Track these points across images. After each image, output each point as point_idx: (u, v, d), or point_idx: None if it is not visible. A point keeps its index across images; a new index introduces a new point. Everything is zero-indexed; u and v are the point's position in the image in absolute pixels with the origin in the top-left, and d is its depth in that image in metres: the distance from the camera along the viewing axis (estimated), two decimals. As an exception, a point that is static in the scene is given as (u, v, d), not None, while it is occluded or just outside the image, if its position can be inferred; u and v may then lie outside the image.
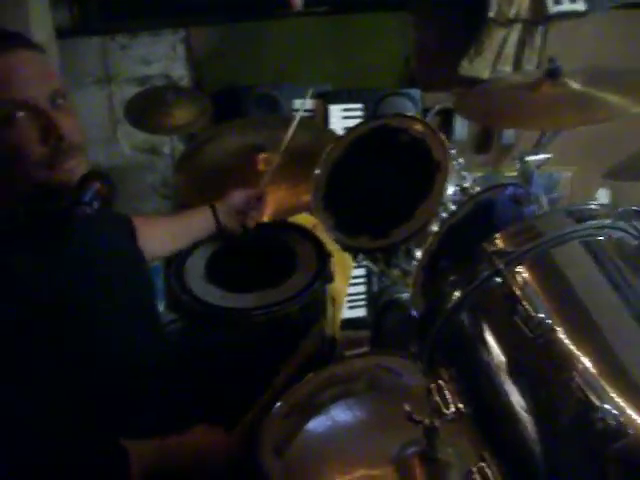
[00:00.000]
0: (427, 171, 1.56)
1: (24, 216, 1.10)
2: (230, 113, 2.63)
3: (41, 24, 2.20)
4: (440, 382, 0.81)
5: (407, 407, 0.92)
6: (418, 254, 1.58)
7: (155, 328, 1.49)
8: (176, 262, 1.83)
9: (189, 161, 2.10)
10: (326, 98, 2.76)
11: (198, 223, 1.77)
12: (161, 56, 2.79)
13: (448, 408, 0.79)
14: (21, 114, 1.06)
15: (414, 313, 1.21)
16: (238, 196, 1.77)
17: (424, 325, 0.85)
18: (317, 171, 1.72)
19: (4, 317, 1.04)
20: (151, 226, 1.68)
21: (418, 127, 1.64)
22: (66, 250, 1.18)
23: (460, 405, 0.79)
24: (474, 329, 0.82)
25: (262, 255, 1.88)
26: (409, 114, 1.73)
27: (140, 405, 1.25)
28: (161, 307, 2.34)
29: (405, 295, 1.93)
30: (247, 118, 2.57)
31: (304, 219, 1.97)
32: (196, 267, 1.82)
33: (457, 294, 0.81)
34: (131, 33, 2.74)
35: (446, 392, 0.80)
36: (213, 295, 1.72)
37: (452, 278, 0.83)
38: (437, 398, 0.80)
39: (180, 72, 2.82)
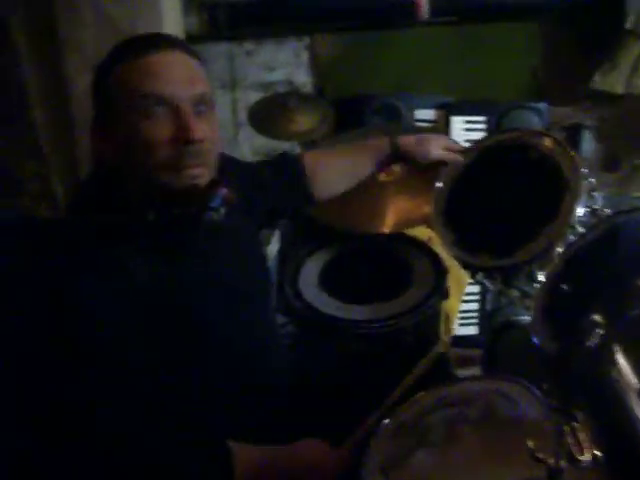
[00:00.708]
0: (555, 190, 1.48)
1: (153, 218, 1.11)
2: (351, 121, 2.61)
3: (173, 29, 2.26)
4: (574, 424, 0.74)
5: (530, 443, 0.86)
6: (540, 277, 1.51)
7: (272, 334, 1.46)
8: (290, 267, 1.83)
9: None
10: (449, 109, 2.69)
11: (374, 152, 1.65)
12: (285, 62, 2.82)
13: (583, 454, 0.72)
14: (160, 109, 1.08)
15: (535, 340, 1.14)
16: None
17: (560, 361, 0.79)
18: (439, 184, 1.67)
19: (117, 317, 1.06)
20: (324, 165, 1.62)
21: (547, 143, 1.57)
22: (188, 255, 1.19)
23: (597, 452, 0.72)
24: (621, 371, 0.75)
25: (378, 267, 1.85)
26: (539, 129, 1.66)
27: (249, 407, 1.25)
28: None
29: (523, 318, 1.84)
30: (368, 126, 2.55)
31: (420, 232, 1.93)
32: (310, 274, 1.82)
33: (601, 331, 0.75)
34: (257, 39, 2.78)
35: (580, 435, 0.73)
36: (326, 304, 1.72)
37: (594, 315, 0.77)
38: (571, 441, 0.73)
39: (303, 79, 2.84)
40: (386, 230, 1.87)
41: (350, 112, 2.66)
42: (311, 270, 1.83)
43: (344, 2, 2.66)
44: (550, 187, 1.50)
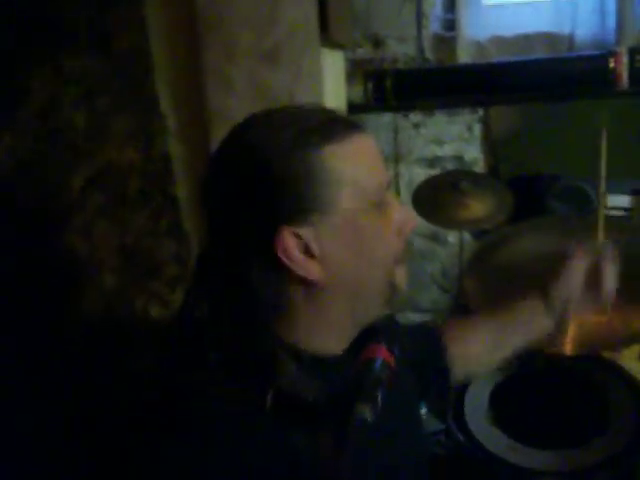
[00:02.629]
0: None
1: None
2: (527, 205, 2.30)
3: (335, 99, 2.13)
4: None
5: None
6: None
7: None
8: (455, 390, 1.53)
9: (481, 262, 1.80)
10: (646, 195, 2.32)
11: (527, 314, 1.28)
12: (455, 136, 2.63)
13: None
14: (382, 200, 0.90)
15: None
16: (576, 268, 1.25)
17: None
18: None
19: None
20: (466, 340, 1.31)
21: None
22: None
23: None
24: None
25: (565, 399, 1.50)
26: None
27: None
28: (424, 409, 2.02)
29: None
30: (553, 216, 2.22)
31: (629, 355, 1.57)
32: (477, 399, 1.51)
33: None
34: (426, 111, 2.62)
35: None
36: (497, 442, 1.40)
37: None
38: None
39: (474, 154, 2.63)
40: (571, 348, 1.52)
41: (527, 195, 2.35)
42: (478, 394, 1.51)
43: (526, 71, 2.43)
44: None
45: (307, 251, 0.85)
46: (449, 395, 1.55)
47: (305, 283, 0.86)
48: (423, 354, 1.22)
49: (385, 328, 0.93)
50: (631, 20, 2.28)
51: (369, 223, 0.87)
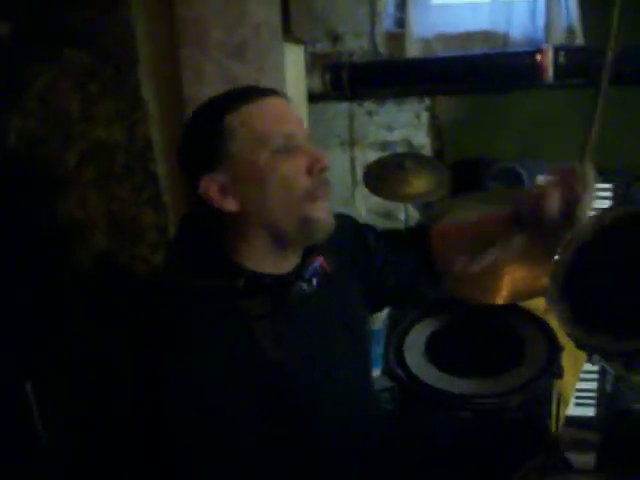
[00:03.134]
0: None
1: (243, 284, 1.10)
2: (468, 185, 2.56)
3: (296, 88, 2.30)
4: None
5: None
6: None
7: (369, 398, 1.42)
8: (397, 334, 1.78)
9: None
10: (572, 177, 2.56)
11: (495, 222, 1.38)
12: (404, 123, 2.81)
13: None
14: (291, 146, 1.12)
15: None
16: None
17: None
18: (556, 256, 1.58)
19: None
20: (449, 240, 1.46)
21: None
22: (276, 324, 1.13)
23: None
24: None
25: (487, 338, 1.77)
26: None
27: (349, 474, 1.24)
28: (377, 372, 2.31)
29: (647, 407, 1.70)
30: (486, 191, 2.47)
31: (536, 303, 1.83)
32: (417, 341, 1.77)
33: None
34: (378, 100, 2.80)
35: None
36: (430, 374, 1.66)
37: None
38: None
39: (421, 140, 2.82)
40: (500, 300, 1.78)
41: (468, 176, 2.60)
42: (418, 337, 1.79)
43: (466, 65, 2.64)
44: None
45: (222, 191, 1.11)
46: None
47: (230, 216, 1.12)
48: (411, 266, 1.43)
49: (328, 246, 1.19)
50: (558, 20, 2.51)
51: (273, 166, 1.10)
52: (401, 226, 2.76)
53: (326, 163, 1.14)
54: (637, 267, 1.48)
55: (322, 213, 1.14)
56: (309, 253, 1.19)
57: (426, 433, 1.51)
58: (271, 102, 1.15)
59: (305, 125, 1.20)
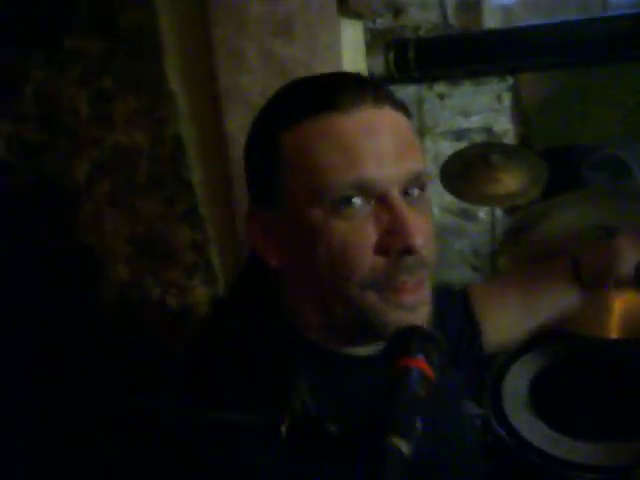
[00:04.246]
0: None
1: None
2: (562, 179, 2.19)
3: (354, 71, 2.04)
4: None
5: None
6: None
7: None
8: (490, 379, 1.43)
9: (515, 240, 1.70)
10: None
11: (554, 283, 1.20)
12: (483, 107, 2.52)
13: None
14: (360, 202, 0.76)
15: None
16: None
17: None
18: None
19: None
20: (498, 304, 1.19)
21: None
22: None
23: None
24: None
25: (613, 386, 1.40)
26: None
27: None
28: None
29: None
30: (591, 188, 2.11)
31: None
32: (516, 388, 1.41)
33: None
34: (451, 81, 2.52)
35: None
36: (539, 435, 1.31)
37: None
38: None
39: (504, 126, 2.51)
40: (612, 334, 1.41)
41: (562, 167, 2.24)
42: (517, 382, 1.42)
43: (555, 35, 2.30)
44: None
45: (266, 233, 0.80)
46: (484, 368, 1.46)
47: (276, 270, 0.82)
48: (454, 332, 1.10)
49: (421, 333, 0.74)
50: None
51: (322, 226, 0.74)
52: (483, 226, 2.48)
53: (417, 243, 0.75)
54: None
55: (397, 312, 0.78)
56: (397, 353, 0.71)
57: None
58: (355, 118, 0.76)
59: (414, 155, 0.81)
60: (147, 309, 1.54)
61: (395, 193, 0.76)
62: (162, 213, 1.55)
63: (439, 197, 2.54)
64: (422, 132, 2.56)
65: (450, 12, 2.46)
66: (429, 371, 0.67)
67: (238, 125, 1.56)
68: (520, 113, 2.50)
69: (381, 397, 0.65)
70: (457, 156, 1.96)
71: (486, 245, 2.47)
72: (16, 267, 1.32)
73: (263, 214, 0.81)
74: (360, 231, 0.75)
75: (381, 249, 0.76)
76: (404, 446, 0.60)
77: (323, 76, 0.84)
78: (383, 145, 0.76)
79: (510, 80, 2.48)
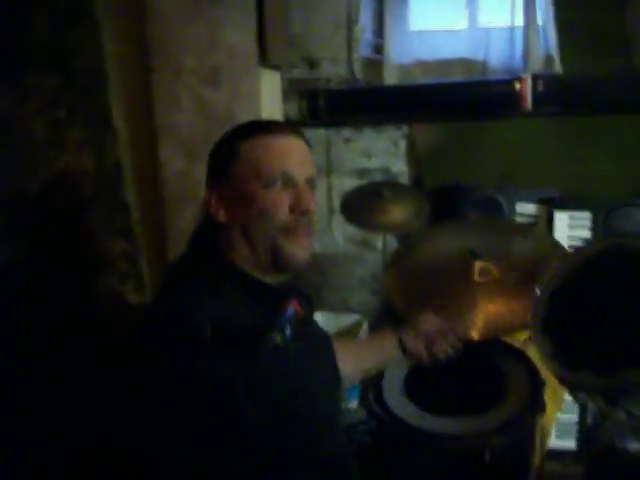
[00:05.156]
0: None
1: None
2: (447, 212, 2.53)
3: (272, 115, 2.28)
4: None
5: None
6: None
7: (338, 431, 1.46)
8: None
9: (399, 260, 2.01)
10: (552, 204, 2.56)
11: (383, 349, 1.72)
12: (382, 150, 2.82)
13: None
14: (280, 183, 1.23)
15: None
16: (428, 323, 1.69)
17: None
18: (539, 290, 1.54)
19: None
20: (344, 347, 1.66)
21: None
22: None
23: None
24: None
25: (467, 374, 1.71)
26: (653, 236, 1.51)
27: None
28: (354, 403, 2.25)
29: (631, 445, 1.66)
30: (465, 220, 2.44)
31: (515, 336, 1.79)
32: (395, 378, 1.71)
33: None
34: (356, 127, 2.81)
35: None
36: (409, 413, 1.59)
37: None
38: None
39: (399, 167, 2.82)
40: (476, 335, 1.73)
41: (447, 203, 2.58)
42: (396, 373, 1.72)
43: (445, 93, 2.65)
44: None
45: (219, 202, 1.26)
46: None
47: (223, 226, 1.26)
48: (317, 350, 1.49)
49: (300, 292, 1.30)
50: (536, 49, 2.54)
51: (260, 197, 1.22)
52: (379, 256, 2.74)
53: (311, 207, 1.24)
54: (619, 300, 1.45)
55: (295, 248, 1.25)
56: (283, 297, 1.26)
57: (406, 468, 1.54)
58: (285, 141, 1.26)
59: (312, 169, 1.30)
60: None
61: (302, 182, 1.25)
62: (101, 227, 1.79)
63: (342, 228, 2.84)
64: (330, 170, 2.84)
65: (356, 68, 2.77)
66: (299, 309, 1.21)
67: (170, 155, 1.83)
68: (413, 157, 2.81)
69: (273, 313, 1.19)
70: (355, 191, 2.29)
71: (381, 271, 2.73)
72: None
73: (219, 190, 1.26)
74: (279, 199, 1.23)
75: (291, 209, 1.23)
76: (278, 338, 1.12)
77: (265, 120, 1.39)
78: (296, 156, 1.26)
79: (405, 129, 2.78)
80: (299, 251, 1.25)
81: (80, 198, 1.71)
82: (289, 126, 1.32)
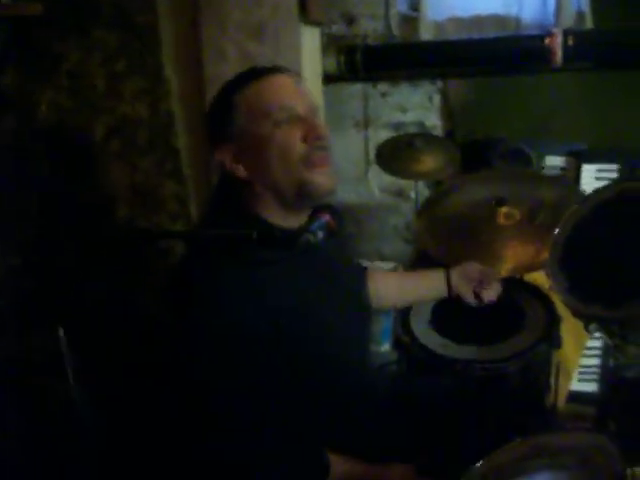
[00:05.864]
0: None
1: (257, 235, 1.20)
2: (477, 164, 2.62)
3: (312, 68, 2.38)
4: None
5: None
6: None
7: (364, 361, 1.56)
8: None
9: (431, 208, 2.11)
10: (580, 157, 2.62)
11: (430, 284, 1.79)
12: (417, 105, 2.87)
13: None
14: (289, 118, 1.25)
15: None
16: (475, 269, 1.76)
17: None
18: (556, 231, 1.65)
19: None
20: (383, 279, 1.77)
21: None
22: (282, 272, 1.26)
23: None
24: None
25: (490, 309, 1.84)
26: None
27: (346, 425, 1.36)
28: (387, 346, 2.40)
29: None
30: (493, 170, 2.53)
31: (543, 278, 1.90)
32: (422, 311, 1.85)
33: None
34: (392, 82, 2.86)
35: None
36: (434, 341, 1.73)
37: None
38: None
39: (434, 121, 2.88)
40: (502, 274, 1.85)
41: (477, 155, 2.66)
42: (424, 306, 1.86)
43: (478, 48, 2.70)
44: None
45: (234, 159, 1.26)
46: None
47: (243, 180, 1.27)
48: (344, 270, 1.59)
49: (335, 211, 1.35)
50: (567, 4, 2.58)
51: (273, 136, 1.24)
52: (412, 205, 2.83)
53: (322, 132, 1.26)
54: (632, 239, 1.56)
55: (318, 177, 1.27)
56: (317, 211, 1.33)
57: (427, 394, 1.62)
58: (275, 79, 1.28)
59: (310, 99, 1.32)
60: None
61: (305, 112, 1.27)
62: (154, 171, 1.96)
63: (378, 178, 2.95)
64: (366, 123, 2.91)
65: (393, 24, 2.80)
66: (332, 222, 1.28)
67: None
68: (447, 111, 2.86)
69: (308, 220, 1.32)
70: (389, 142, 2.40)
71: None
72: (44, 199, 1.71)
73: (228, 147, 1.27)
74: (290, 133, 1.25)
75: (304, 139, 1.25)
76: (311, 237, 1.20)
77: (258, 66, 1.35)
78: (291, 90, 1.29)
79: (440, 83, 2.83)
80: (324, 179, 1.27)
81: (136, 143, 1.88)
82: (275, 66, 1.33)
